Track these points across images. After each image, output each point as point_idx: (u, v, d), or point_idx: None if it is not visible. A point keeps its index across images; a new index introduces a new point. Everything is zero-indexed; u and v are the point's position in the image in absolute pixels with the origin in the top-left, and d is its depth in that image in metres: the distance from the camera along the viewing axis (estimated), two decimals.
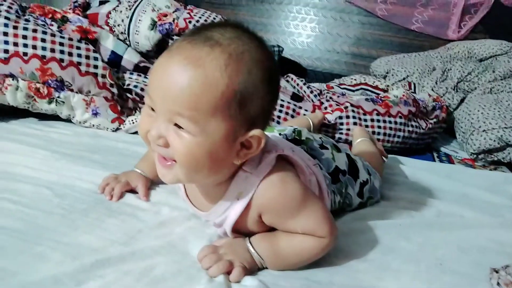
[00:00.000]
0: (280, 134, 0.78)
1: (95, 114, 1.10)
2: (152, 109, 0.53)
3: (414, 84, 1.58)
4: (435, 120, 1.39)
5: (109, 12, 1.33)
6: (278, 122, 1.23)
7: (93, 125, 1.11)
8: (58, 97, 1.07)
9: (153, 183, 0.79)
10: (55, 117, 1.12)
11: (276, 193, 0.58)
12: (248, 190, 0.59)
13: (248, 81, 0.51)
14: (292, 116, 1.23)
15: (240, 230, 0.63)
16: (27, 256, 0.56)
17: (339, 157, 0.79)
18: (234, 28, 0.54)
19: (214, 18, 1.40)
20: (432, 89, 1.61)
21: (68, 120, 1.13)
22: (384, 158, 1.06)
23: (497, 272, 0.63)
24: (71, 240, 0.61)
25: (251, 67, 0.52)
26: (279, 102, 1.24)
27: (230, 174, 0.59)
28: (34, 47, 1.03)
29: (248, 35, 0.54)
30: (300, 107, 1.24)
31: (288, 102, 1.25)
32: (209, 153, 0.52)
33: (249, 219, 0.61)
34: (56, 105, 1.08)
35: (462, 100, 1.59)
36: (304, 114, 1.22)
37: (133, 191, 0.77)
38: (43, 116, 1.12)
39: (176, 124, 0.51)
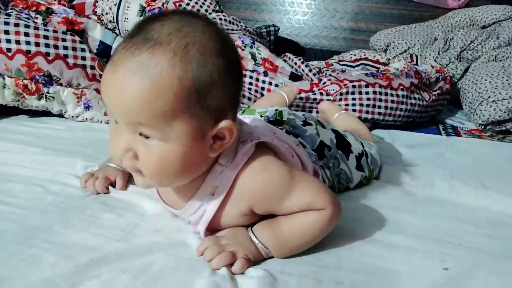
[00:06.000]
0: (261, 116, 0.76)
1: (87, 107, 1.07)
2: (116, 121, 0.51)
3: (416, 56, 1.53)
4: (438, 91, 1.34)
5: (96, 1, 1.29)
6: (249, 99, 1.20)
7: (86, 119, 1.08)
8: (48, 92, 1.04)
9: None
10: (47, 113, 1.09)
11: (261, 181, 0.56)
12: (223, 185, 0.56)
13: (201, 74, 0.48)
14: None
15: (218, 228, 0.60)
16: (19, 259, 0.54)
17: (324, 132, 0.78)
18: (174, 19, 0.49)
19: (205, 0, 1.35)
20: (435, 60, 1.56)
21: (60, 115, 1.10)
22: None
23: None
24: (65, 239, 0.59)
25: (201, 58, 0.48)
26: (248, 80, 1.21)
27: (206, 168, 0.56)
28: (18, 42, 0.99)
29: (191, 23, 0.50)
30: (270, 83, 1.21)
31: (257, 80, 1.21)
32: (181, 157, 0.50)
33: (232, 215, 0.58)
34: (46, 101, 1.04)
35: (466, 70, 1.54)
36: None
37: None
38: (34, 113, 1.09)
39: (142, 134, 0.49)
